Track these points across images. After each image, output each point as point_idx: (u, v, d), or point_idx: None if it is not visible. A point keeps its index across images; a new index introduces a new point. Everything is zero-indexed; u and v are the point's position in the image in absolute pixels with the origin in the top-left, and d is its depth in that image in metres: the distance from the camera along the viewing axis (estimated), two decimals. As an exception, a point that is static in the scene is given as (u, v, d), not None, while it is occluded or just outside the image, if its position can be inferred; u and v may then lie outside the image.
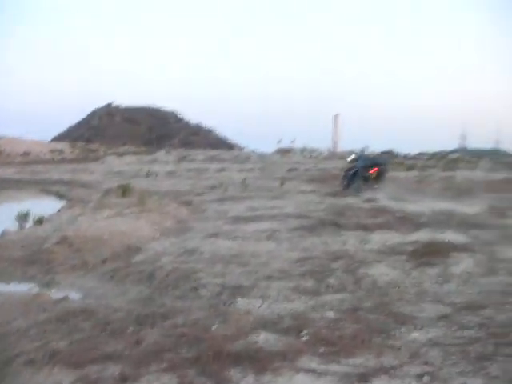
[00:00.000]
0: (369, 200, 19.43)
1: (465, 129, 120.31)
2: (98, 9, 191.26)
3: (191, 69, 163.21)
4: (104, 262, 10.85)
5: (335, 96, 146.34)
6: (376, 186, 23.87)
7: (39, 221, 14.63)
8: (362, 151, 26.33)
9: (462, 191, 23.25)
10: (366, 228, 13.28)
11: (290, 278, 8.77)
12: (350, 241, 11.84)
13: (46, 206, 21.17)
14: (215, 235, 12.86)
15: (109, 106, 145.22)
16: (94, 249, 11.57)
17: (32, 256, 10.98)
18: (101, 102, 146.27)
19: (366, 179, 24.15)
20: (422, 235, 12.28)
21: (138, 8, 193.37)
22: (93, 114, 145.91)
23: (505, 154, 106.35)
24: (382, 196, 20.91)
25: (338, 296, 7.87)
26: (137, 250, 11.66)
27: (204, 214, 17.22)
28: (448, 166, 55.78)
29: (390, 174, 33.11)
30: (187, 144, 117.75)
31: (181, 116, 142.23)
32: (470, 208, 17.38)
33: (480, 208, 17.41)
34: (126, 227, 13.41)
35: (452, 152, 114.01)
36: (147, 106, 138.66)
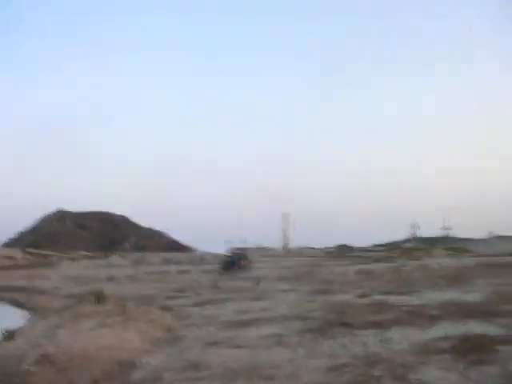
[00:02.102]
0: (363, 295, 18.33)
1: (415, 218, 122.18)
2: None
3: (140, 173, 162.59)
4: (95, 383, 9.24)
5: (283, 195, 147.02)
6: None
7: (10, 335, 12.84)
8: (237, 248, 46.86)
9: (450, 279, 22.50)
10: (379, 325, 12.15)
11: (335, 392, 7.44)
12: (370, 341, 10.67)
13: (4, 315, 19.38)
14: (215, 344, 11.44)
15: (59, 211, 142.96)
16: (81, 367, 9.77)
17: (7, 381, 9.10)
18: (50, 208, 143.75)
19: (240, 266, 42.02)
20: (447, 329, 11.23)
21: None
22: (43, 220, 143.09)
23: (454, 240, 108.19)
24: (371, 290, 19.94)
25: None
26: (131, 365, 10.11)
27: (190, 320, 15.69)
28: (407, 255, 56.28)
29: (361, 267, 32.82)
30: (140, 247, 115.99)
31: (132, 220, 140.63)
32: (470, 296, 16.53)
33: (481, 295, 16.55)
34: (113, 339, 11.78)
35: (405, 241, 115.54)
36: (98, 210, 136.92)
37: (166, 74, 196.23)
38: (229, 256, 47.09)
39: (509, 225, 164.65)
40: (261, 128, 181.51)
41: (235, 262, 43.07)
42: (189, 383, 8.52)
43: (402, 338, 10.70)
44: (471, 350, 9.08)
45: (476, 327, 11.23)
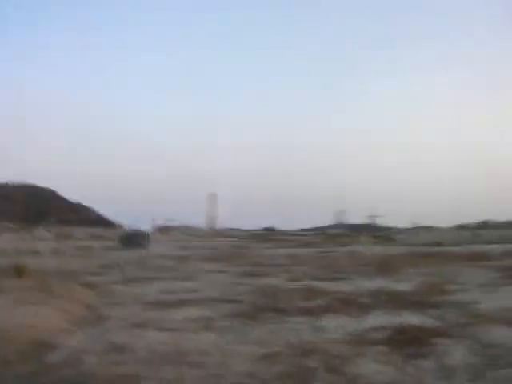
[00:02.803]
0: (293, 280, 18.03)
1: (342, 204, 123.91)
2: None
3: (68, 147, 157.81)
4: (7, 364, 8.48)
5: (210, 175, 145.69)
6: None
7: None
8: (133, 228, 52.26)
9: (380, 267, 22.48)
10: (312, 312, 11.79)
11: (267, 384, 6.96)
12: (303, 329, 10.28)
13: None
14: (140, 326, 10.76)
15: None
16: (-7, 347, 9.08)
17: None
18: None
19: (139, 243, 44.60)
20: (381, 319, 11.01)
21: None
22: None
23: (379, 228, 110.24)
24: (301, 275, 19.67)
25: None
26: (49, 346, 9.32)
27: (114, 298, 14.96)
28: (333, 241, 56.80)
29: (289, 251, 32.65)
30: (66, 221, 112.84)
31: (59, 193, 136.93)
32: (401, 285, 16.47)
33: (411, 285, 16.51)
34: (31, 317, 10.96)
35: (331, 227, 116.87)
36: (22, 182, 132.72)
37: None
38: (128, 233, 52.37)
39: (431, 216, 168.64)
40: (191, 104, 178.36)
41: (134, 239, 46.60)
42: (111, 367, 7.84)
43: (336, 327, 10.37)
44: (407, 342, 8.80)
45: (410, 318, 11.05)
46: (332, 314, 11.65)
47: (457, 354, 8.17)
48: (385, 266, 22.55)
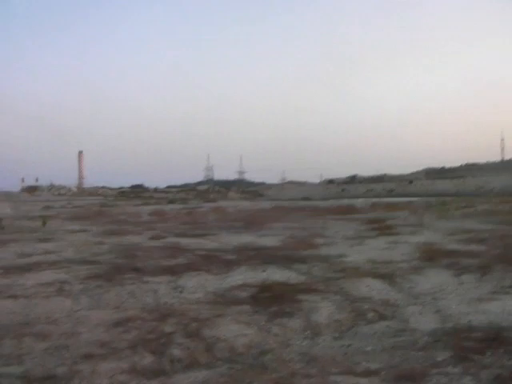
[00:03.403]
0: (155, 237, 17.22)
1: (210, 161, 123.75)
2: None
3: None
4: None
5: (79, 133, 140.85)
6: None
7: None
8: None
9: (247, 222, 22.09)
10: (172, 271, 11.05)
11: (118, 354, 6.14)
12: (161, 289, 9.55)
13: None
14: (-16, 294, 9.66)
15: None
16: None
17: None
18: None
19: None
20: (245, 276, 10.50)
21: None
22: None
23: (248, 184, 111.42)
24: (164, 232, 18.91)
25: (195, 375, 5.53)
26: None
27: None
28: (203, 197, 56.65)
29: (155, 208, 31.76)
30: None
31: None
32: (268, 240, 16.11)
33: (278, 239, 16.21)
34: None
35: (200, 183, 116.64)
36: None
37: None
38: None
39: (299, 171, 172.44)
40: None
41: None
42: None
43: (197, 286, 9.71)
44: (272, 300, 8.30)
45: (276, 274, 10.62)
46: (194, 272, 10.98)
47: (324, 310, 7.77)
48: (252, 221, 22.23)
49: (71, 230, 22.44)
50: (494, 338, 5.97)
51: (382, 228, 18.69)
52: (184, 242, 16.15)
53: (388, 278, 9.92)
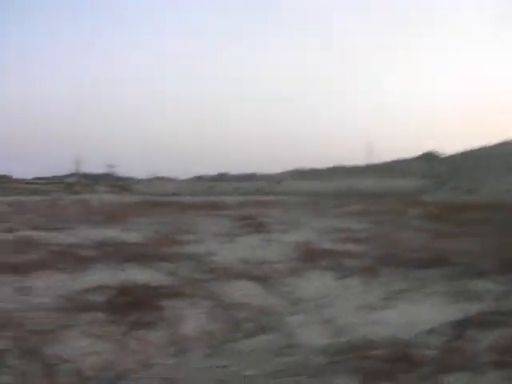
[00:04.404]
0: (8, 230, 15.28)
1: (79, 153, 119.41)
2: None
3: None
4: None
5: None
6: None
7: None
8: None
9: (110, 216, 20.42)
10: (20, 270, 9.42)
11: None
12: (3, 292, 7.99)
13: None
14: None
15: None
16: None
17: None
18: None
19: None
20: (102, 275, 9.09)
21: None
22: None
23: (118, 178, 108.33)
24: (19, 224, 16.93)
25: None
26: None
27: None
28: (70, 189, 54.35)
29: (16, 199, 29.54)
30: None
31: None
32: (131, 235, 14.66)
33: (142, 235, 14.83)
34: None
35: (68, 176, 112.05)
36: None
37: None
38: None
39: (169, 167, 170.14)
40: None
41: None
42: None
43: (46, 288, 8.23)
44: (131, 306, 6.95)
45: (137, 274, 9.29)
46: (45, 270, 9.45)
47: (192, 320, 6.57)
48: (115, 215, 20.59)
49: None
50: (402, 358, 4.95)
51: (253, 225, 17.68)
52: (39, 235, 14.36)
53: (264, 280, 8.85)
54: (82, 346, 5.55)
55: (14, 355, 5.27)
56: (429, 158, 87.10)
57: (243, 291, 8.06)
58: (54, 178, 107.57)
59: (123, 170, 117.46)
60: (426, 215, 20.56)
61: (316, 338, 5.85)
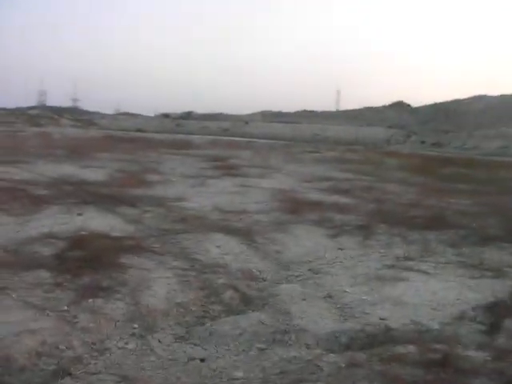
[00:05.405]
0: None
1: (43, 85, 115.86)
2: None
3: None
4: None
5: None
6: None
7: None
8: None
9: (71, 151, 18.69)
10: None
11: None
12: None
13: None
14: None
15: None
16: None
17: None
18: None
19: None
20: (54, 220, 7.67)
21: None
22: None
23: (82, 112, 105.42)
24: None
25: None
26: None
27: None
28: (32, 121, 52.29)
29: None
30: None
31: None
32: (93, 173, 13.13)
33: (106, 172, 13.35)
34: None
35: (31, 108, 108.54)
36: None
37: None
38: None
39: (134, 104, 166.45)
40: None
41: None
42: None
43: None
44: (85, 263, 5.53)
45: (95, 219, 7.89)
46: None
47: (160, 285, 5.21)
48: (76, 150, 18.86)
49: None
50: (442, 362, 3.64)
51: (225, 167, 16.25)
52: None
53: (244, 235, 7.48)
54: (17, 320, 4.17)
55: None
56: (398, 107, 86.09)
57: (221, 248, 6.70)
58: (16, 109, 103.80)
59: (87, 105, 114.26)
60: (408, 167, 19.37)
61: (320, 321, 4.58)
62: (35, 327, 4.05)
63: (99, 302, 4.65)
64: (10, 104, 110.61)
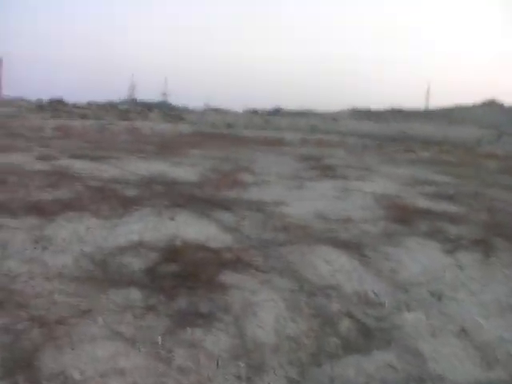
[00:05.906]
0: (45, 158, 13.29)
1: (134, 80, 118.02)
2: None
3: None
4: None
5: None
6: None
7: None
8: None
9: (162, 147, 18.41)
10: (44, 210, 7.53)
11: None
12: (13, 243, 6.10)
13: None
14: None
15: None
16: None
17: None
18: None
19: None
20: (145, 225, 7.15)
21: None
22: None
23: (171, 107, 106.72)
24: (59, 152, 15.02)
25: None
26: None
27: None
28: (122, 116, 52.93)
29: (63, 123, 28.00)
30: None
31: None
32: (186, 172, 12.67)
33: (199, 171, 12.83)
34: None
35: (121, 103, 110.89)
36: None
37: None
38: None
39: (223, 98, 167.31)
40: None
41: None
42: None
43: (70, 240, 6.29)
44: (180, 281, 4.95)
45: (189, 226, 7.20)
46: (74, 213, 7.53)
47: (267, 312, 4.52)
48: (167, 146, 18.57)
49: None
50: None
51: (321, 167, 15.42)
52: (78, 165, 12.35)
53: (354, 248, 6.67)
54: (102, 355, 3.62)
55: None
56: (490, 106, 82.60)
57: (329, 264, 5.96)
58: (107, 104, 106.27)
59: (177, 100, 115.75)
60: (510, 171, 17.94)
61: (458, 366, 3.81)
62: (125, 365, 3.47)
63: (198, 332, 4.02)
64: (102, 98, 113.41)
